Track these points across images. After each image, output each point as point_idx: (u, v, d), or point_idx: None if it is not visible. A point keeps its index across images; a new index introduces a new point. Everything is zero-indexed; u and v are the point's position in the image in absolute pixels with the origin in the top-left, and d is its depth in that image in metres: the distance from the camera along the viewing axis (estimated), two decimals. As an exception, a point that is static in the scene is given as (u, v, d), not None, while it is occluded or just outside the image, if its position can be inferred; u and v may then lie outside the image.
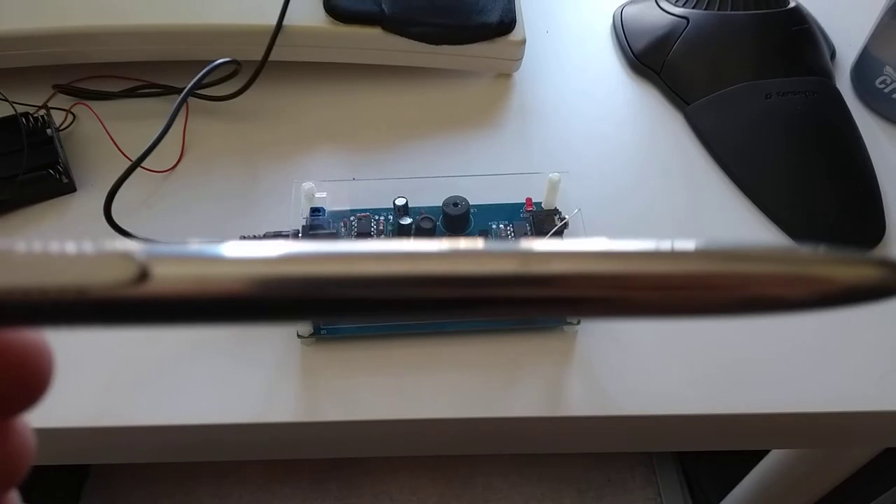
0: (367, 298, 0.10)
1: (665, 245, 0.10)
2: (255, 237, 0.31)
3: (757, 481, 0.55)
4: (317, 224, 0.31)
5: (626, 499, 0.88)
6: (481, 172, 0.35)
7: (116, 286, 0.10)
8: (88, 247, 0.10)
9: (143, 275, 0.10)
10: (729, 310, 0.10)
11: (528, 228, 0.31)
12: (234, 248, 0.10)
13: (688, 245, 0.10)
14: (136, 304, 0.10)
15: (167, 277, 0.10)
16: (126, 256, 0.10)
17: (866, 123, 0.38)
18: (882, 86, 0.38)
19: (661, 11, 0.40)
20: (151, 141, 0.31)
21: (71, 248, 0.10)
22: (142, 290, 0.10)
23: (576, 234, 0.31)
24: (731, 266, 0.10)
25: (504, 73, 0.40)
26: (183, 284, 0.10)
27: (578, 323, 0.29)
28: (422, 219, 0.31)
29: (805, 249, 0.10)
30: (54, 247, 0.10)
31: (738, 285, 0.10)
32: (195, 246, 0.10)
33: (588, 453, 0.91)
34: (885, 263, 0.10)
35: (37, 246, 0.10)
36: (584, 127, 0.38)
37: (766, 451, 0.55)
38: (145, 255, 0.10)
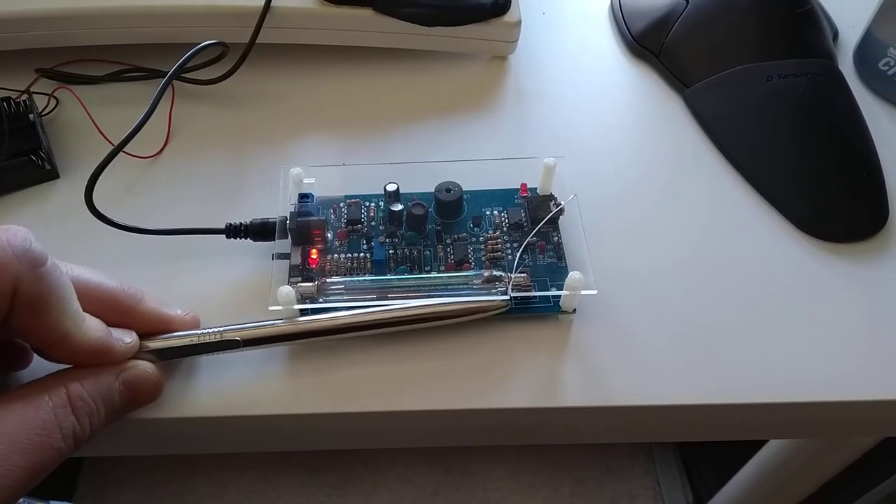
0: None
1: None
2: (241, 224, 0.30)
3: (756, 469, 0.55)
4: (305, 211, 0.30)
5: (624, 487, 0.88)
6: (475, 157, 0.34)
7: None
8: (216, 333, 0.26)
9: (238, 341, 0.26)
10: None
11: (523, 215, 0.31)
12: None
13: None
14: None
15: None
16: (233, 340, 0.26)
17: (869, 106, 0.37)
18: (885, 68, 0.37)
19: (659, -8, 0.39)
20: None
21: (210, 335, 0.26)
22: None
23: (572, 220, 0.30)
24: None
25: (499, 56, 0.39)
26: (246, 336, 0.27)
27: (574, 312, 0.29)
28: (413, 205, 0.30)
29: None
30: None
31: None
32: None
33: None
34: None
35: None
36: (580, 111, 0.37)
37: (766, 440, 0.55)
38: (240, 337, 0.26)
